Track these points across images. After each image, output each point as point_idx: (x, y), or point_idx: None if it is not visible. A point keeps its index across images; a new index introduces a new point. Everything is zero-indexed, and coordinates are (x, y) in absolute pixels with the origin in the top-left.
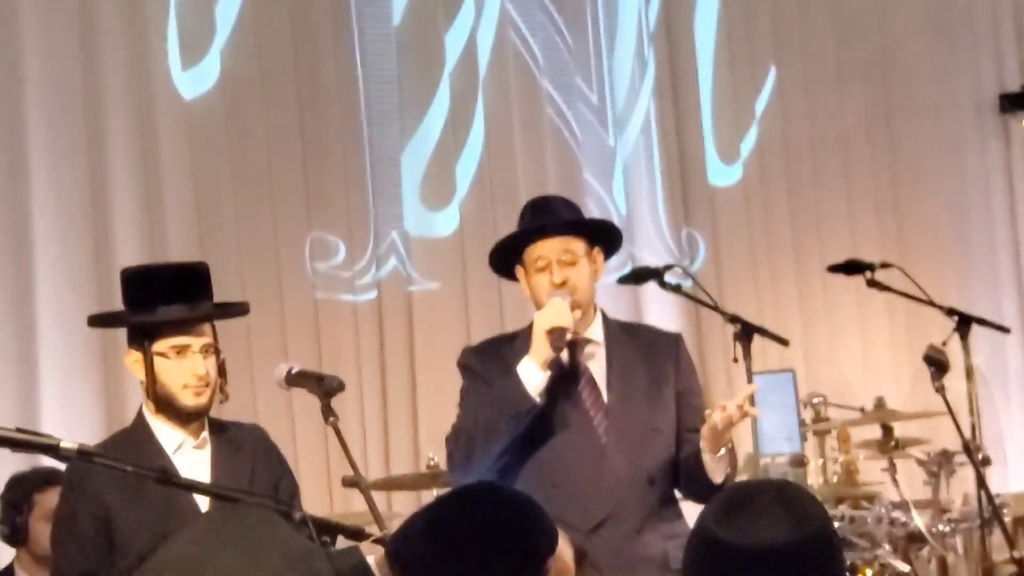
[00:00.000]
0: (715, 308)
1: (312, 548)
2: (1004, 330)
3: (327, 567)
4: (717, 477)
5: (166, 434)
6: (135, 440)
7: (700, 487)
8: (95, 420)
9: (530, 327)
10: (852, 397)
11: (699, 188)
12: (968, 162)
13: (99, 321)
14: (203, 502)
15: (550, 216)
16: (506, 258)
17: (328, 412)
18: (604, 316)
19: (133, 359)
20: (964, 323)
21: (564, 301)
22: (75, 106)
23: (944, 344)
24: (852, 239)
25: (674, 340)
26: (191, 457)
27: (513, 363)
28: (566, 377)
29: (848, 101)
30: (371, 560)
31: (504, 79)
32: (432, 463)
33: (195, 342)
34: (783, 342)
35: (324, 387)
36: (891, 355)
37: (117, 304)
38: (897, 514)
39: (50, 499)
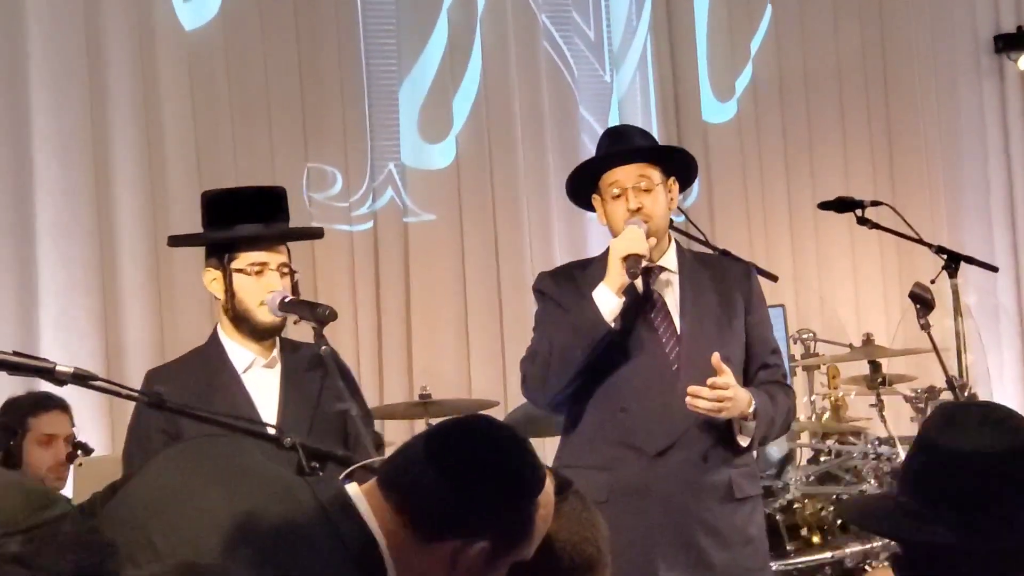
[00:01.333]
0: (706, 243)
1: (292, 478)
2: (992, 268)
3: (308, 497)
4: (742, 440)
5: (238, 353)
6: (206, 358)
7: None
8: (93, 344)
9: (605, 254)
10: (841, 333)
11: (693, 125)
12: (962, 102)
13: (180, 241)
14: (270, 417)
15: (626, 143)
16: (582, 185)
17: (320, 340)
18: (679, 245)
19: (211, 277)
20: (953, 261)
21: (640, 228)
22: (76, 35)
23: (933, 282)
24: (845, 177)
25: (746, 271)
26: (261, 376)
27: (587, 288)
28: (640, 304)
29: (843, 40)
30: (352, 488)
31: (502, 14)
32: (424, 392)
33: (272, 259)
34: (773, 278)
35: (316, 315)
36: (881, 292)
37: (119, 234)
38: (884, 449)
39: (44, 423)
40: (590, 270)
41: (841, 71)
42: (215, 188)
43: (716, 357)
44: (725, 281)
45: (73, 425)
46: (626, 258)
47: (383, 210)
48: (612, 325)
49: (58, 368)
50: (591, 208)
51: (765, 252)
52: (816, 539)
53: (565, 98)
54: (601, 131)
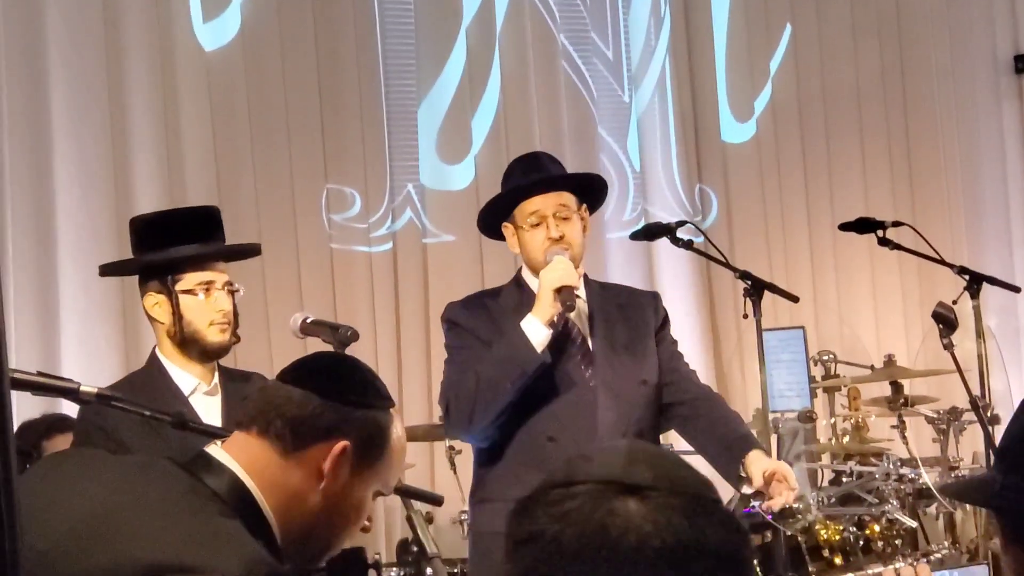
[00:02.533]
0: (726, 264)
1: (152, 459)
2: (1014, 289)
3: (170, 465)
4: (747, 489)
5: (181, 377)
6: (151, 382)
7: (706, 445)
8: (114, 366)
9: (513, 283)
10: (862, 354)
11: (712, 145)
12: (982, 122)
13: (113, 269)
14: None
15: (542, 171)
16: (496, 215)
17: None
18: (586, 276)
19: (153, 302)
20: (975, 281)
21: (566, 258)
22: (97, 55)
23: (954, 302)
24: (864, 197)
25: (652, 295)
26: (203, 402)
27: (501, 318)
28: (556, 334)
29: (862, 60)
30: (210, 447)
31: (521, 34)
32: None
33: (218, 278)
34: (793, 299)
35: (338, 336)
36: (902, 313)
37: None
38: (905, 471)
39: (57, 446)
40: (501, 300)
41: (860, 91)
42: (144, 213)
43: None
44: (632, 305)
45: None
46: (559, 290)
47: (402, 231)
48: (544, 357)
49: (82, 388)
50: (499, 237)
51: (785, 273)
52: (838, 560)
53: (584, 118)
54: (620, 151)
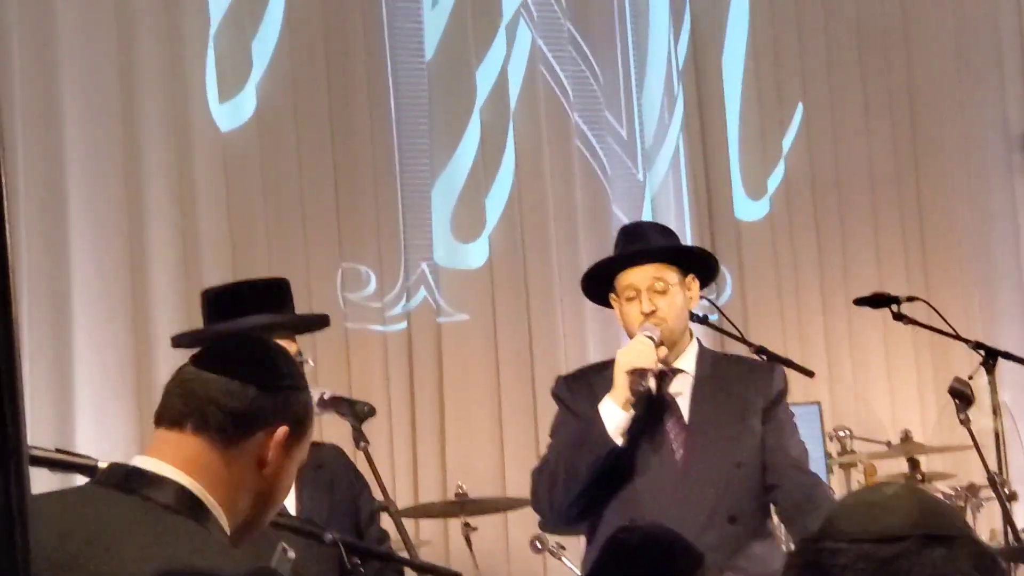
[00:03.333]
0: (742, 339)
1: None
2: None
3: (100, 490)
4: None
5: None
6: None
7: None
8: (128, 442)
9: None
10: (878, 430)
11: (726, 222)
12: (994, 199)
13: (186, 340)
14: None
15: (641, 243)
16: (600, 284)
17: (360, 437)
18: (701, 345)
19: None
20: (990, 357)
21: (650, 337)
22: (113, 132)
23: (970, 378)
24: (878, 273)
25: (770, 368)
26: None
27: (603, 394)
28: (652, 410)
29: (875, 137)
30: (136, 459)
31: (534, 113)
32: (460, 491)
33: (288, 349)
34: (809, 374)
35: (356, 412)
36: (917, 389)
37: (154, 331)
38: None
39: None
40: (607, 374)
41: (873, 167)
42: (215, 285)
43: None
44: (745, 381)
45: None
46: (631, 372)
47: (416, 310)
48: (618, 442)
49: (100, 465)
50: (610, 305)
51: (799, 349)
52: None
53: (598, 196)
54: None
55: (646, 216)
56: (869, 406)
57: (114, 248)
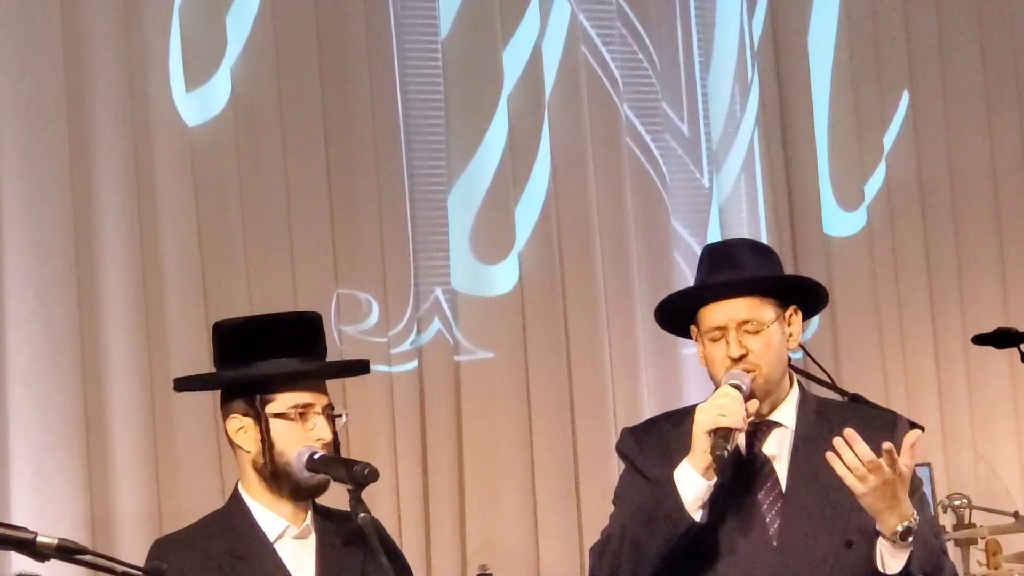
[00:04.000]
0: (831, 385)
1: None
2: None
3: None
4: (889, 568)
5: (267, 518)
6: (230, 525)
7: None
8: (76, 511)
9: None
10: (1003, 499)
11: (812, 239)
12: None
13: (191, 383)
14: None
15: (731, 268)
16: (678, 318)
17: (358, 506)
18: (803, 392)
19: (238, 425)
20: None
21: (737, 389)
22: (57, 132)
23: None
24: (1004, 302)
25: (891, 421)
26: (293, 547)
27: (679, 454)
28: (740, 475)
29: (997, 133)
30: None
31: (575, 105)
32: (484, 572)
33: (318, 401)
34: (919, 427)
35: (353, 475)
36: None
37: (107, 374)
38: None
39: None
40: (684, 427)
41: (996, 171)
42: (230, 317)
43: (889, 445)
44: (860, 434)
45: None
46: (713, 432)
47: (429, 346)
48: (696, 517)
49: (39, 539)
50: (689, 334)
51: (904, 397)
52: None
53: (654, 207)
54: (698, 248)
55: (712, 231)
56: (992, 469)
57: (57, 273)
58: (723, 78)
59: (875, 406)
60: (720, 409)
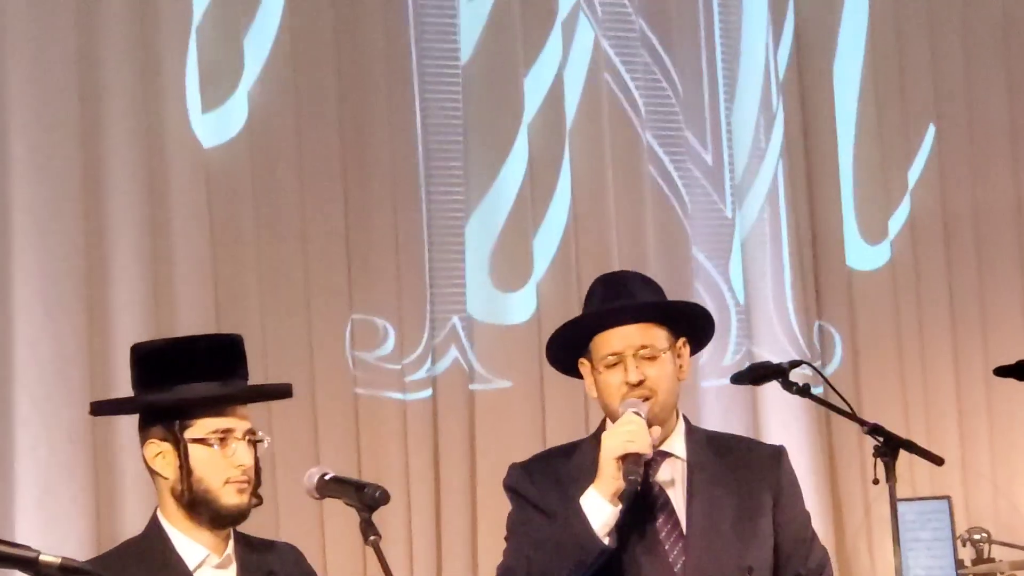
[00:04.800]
0: (852, 416)
1: None
2: None
3: None
4: None
5: (187, 547)
6: (149, 553)
7: None
8: (81, 532)
9: (593, 436)
10: (1023, 533)
11: (836, 272)
12: None
13: (106, 408)
14: None
15: (625, 297)
16: (568, 348)
17: (369, 529)
18: (688, 424)
19: (155, 451)
20: None
21: (640, 415)
22: (69, 152)
23: None
24: None
25: (776, 455)
26: None
27: (572, 486)
28: (638, 504)
29: (1023, 168)
30: None
31: (596, 132)
32: None
33: (239, 426)
34: (937, 461)
35: (364, 498)
36: None
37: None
38: None
39: None
40: (575, 460)
41: (1021, 206)
42: (148, 340)
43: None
44: (748, 468)
45: None
46: (623, 458)
47: (445, 374)
48: (606, 542)
49: (42, 558)
50: (576, 374)
51: (925, 430)
52: None
53: (675, 237)
54: (720, 279)
55: (734, 262)
56: (1012, 502)
57: (67, 290)
58: (748, 107)
59: (891, 436)
60: (628, 435)
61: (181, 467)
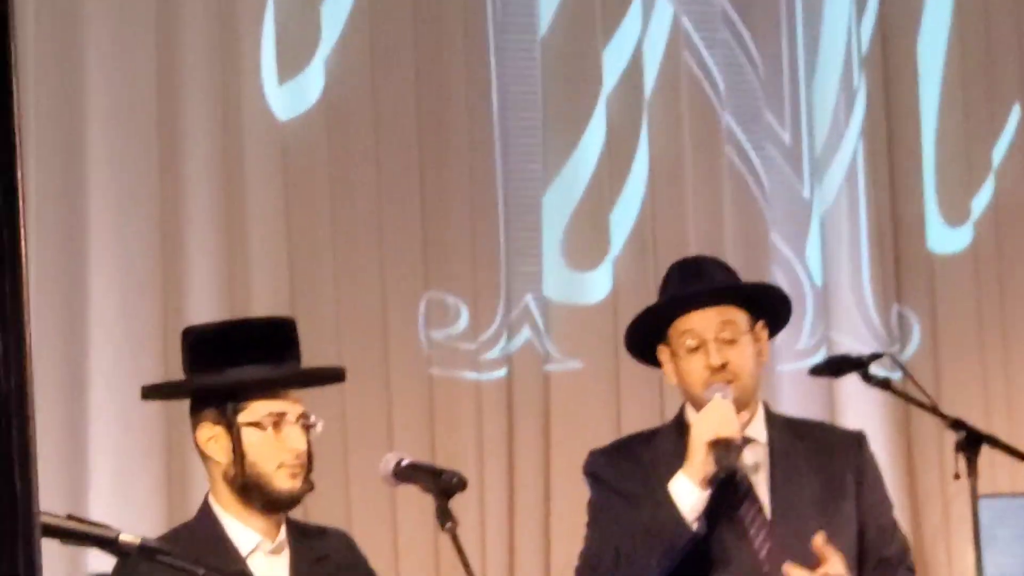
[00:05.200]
0: (932, 410)
1: None
2: None
3: None
4: None
5: (239, 533)
6: (202, 538)
7: None
8: (155, 516)
9: (673, 422)
10: None
11: (916, 255)
12: None
13: (158, 392)
14: None
15: (704, 281)
16: (647, 335)
17: (445, 516)
18: (767, 409)
19: (207, 435)
20: None
21: (727, 398)
22: (145, 127)
23: None
24: None
25: (855, 441)
26: (266, 564)
27: (655, 473)
28: (722, 490)
29: None
30: None
31: (674, 110)
32: None
33: (291, 410)
34: (1021, 456)
35: (441, 485)
36: None
37: None
38: None
39: None
40: (656, 446)
41: None
42: (199, 324)
43: (820, 539)
44: (830, 454)
45: None
46: (714, 443)
47: (519, 354)
48: (695, 528)
49: (122, 538)
50: (653, 362)
51: (1007, 422)
52: None
53: (752, 218)
54: (797, 261)
55: (812, 245)
56: None
57: (143, 272)
58: (828, 86)
59: (973, 431)
60: (718, 420)
61: (234, 451)
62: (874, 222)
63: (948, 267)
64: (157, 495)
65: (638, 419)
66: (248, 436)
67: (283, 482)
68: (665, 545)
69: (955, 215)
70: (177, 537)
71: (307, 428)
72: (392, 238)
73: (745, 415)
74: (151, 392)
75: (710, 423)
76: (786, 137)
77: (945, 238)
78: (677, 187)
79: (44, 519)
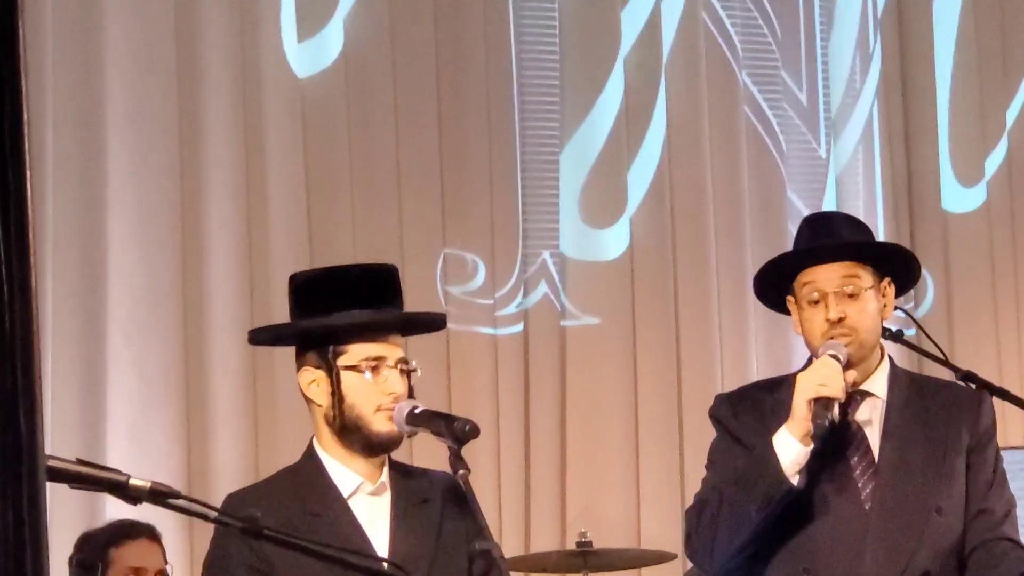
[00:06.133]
0: (945, 362)
1: None
2: None
3: None
4: None
5: (341, 474)
6: (304, 481)
7: None
8: (172, 466)
9: (796, 373)
10: None
11: (930, 214)
12: None
13: (264, 335)
14: (380, 550)
15: (831, 236)
16: (774, 285)
17: (458, 463)
18: (893, 364)
19: (310, 379)
20: None
21: (838, 358)
22: (165, 82)
23: None
24: None
25: (978, 397)
26: (367, 504)
27: (772, 420)
28: (833, 442)
29: None
30: None
31: (692, 70)
32: (583, 540)
33: (391, 354)
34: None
35: (454, 432)
36: None
37: (208, 325)
38: None
39: (127, 555)
40: (779, 394)
41: None
42: (305, 270)
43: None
44: (948, 410)
45: (166, 561)
46: (814, 400)
47: (535, 310)
48: (794, 483)
49: (132, 482)
50: (785, 310)
51: (1020, 378)
52: None
53: (769, 176)
54: None
55: (828, 203)
56: None
57: (162, 225)
58: (844, 46)
59: (984, 383)
60: (822, 379)
61: (333, 394)
62: (889, 181)
63: (962, 226)
64: (175, 446)
65: (653, 375)
66: (347, 379)
67: (381, 424)
68: (763, 496)
69: (969, 175)
70: (281, 480)
71: (406, 373)
72: (410, 194)
73: (864, 369)
74: (258, 336)
75: (812, 381)
76: (802, 97)
77: (959, 197)
78: (694, 146)
79: (52, 463)
